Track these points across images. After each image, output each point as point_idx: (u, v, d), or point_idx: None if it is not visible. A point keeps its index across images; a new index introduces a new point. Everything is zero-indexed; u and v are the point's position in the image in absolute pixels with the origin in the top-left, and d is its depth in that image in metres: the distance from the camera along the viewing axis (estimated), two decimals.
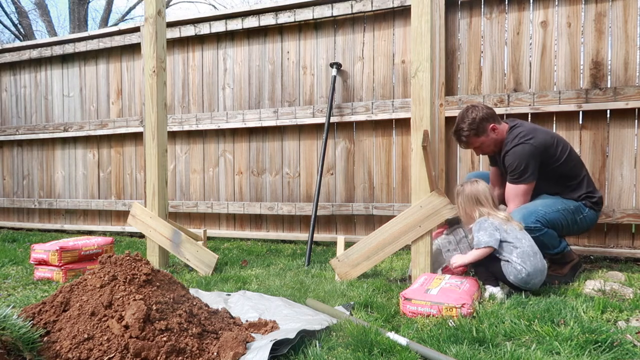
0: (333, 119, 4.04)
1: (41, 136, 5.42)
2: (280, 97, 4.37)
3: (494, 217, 2.52)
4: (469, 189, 2.61)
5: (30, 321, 1.74)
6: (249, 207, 4.44)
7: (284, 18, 4.21)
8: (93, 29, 15.20)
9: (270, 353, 1.63)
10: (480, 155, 3.69)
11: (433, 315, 2.15)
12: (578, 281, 2.73)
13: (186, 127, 4.65)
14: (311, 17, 4.11)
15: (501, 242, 2.44)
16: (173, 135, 4.75)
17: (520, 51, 3.57)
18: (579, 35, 3.42)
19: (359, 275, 2.91)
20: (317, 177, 3.79)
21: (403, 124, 3.89)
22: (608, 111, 3.35)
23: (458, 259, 2.52)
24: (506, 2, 3.60)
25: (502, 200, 2.90)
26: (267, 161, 4.44)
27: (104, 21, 14.97)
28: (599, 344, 1.72)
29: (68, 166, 5.41)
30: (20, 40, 14.39)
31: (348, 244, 3.51)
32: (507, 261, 2.43)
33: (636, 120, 3.31)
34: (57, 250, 3.11)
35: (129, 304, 1.70)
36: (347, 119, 4.05)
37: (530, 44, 3.55)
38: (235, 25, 4.40)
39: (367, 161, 4.08)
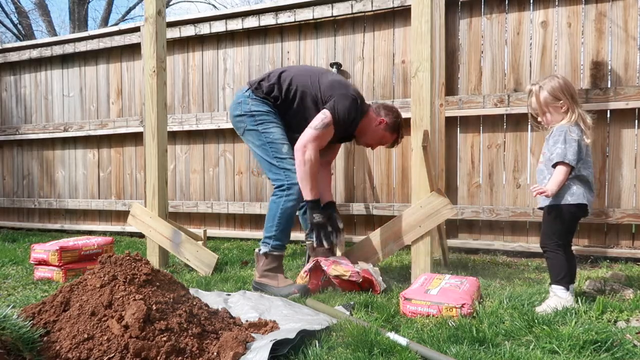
0: None
1: (41, 136, 5.42)
2: None
3: (585, 119, 2.26)
4: (562, 80, 2.29)
5: (30, 321, 1.74)
6: (249, 207, 4.44)
7: (284, 18, 4.21)
8: (93, 28, 15.20)
9: (270, 353, 1.63)
10: (480, 155, 3.69)
11: (433, 315, 2.15)
12: (578, 281, 2.73)
13: (186, 127, 4.65)
14: (311, 17, 4.11)
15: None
16: (173, 135, 4.75)
17: (520, 51, 3.57)
18: (579, 35, 3.42)
19: None
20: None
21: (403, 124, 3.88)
22: (608, 111, 3.35)
23: (547, 186, 2.21)
24: (506, 2, 3.60)
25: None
26: None
27: (104, 21, 14.96)
28: (599, 344, 1.72)
29: (68, 166, 5.41)
30: (20, 40, 14.38)
31: (348, 244, 3.51)
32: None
33: (636, 120, 3.31)
34: (57, 250, 3.11)
35: (129, 304, 1.70)
36: None
37: (531, 44, 3.55)
38: (235, 25, 4.40)
39: (367, 161, 4.08)
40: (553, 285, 2.25)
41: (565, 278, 2.22)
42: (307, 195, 2.71)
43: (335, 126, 2.78)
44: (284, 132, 2.86)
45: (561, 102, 2.28)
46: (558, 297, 2.20)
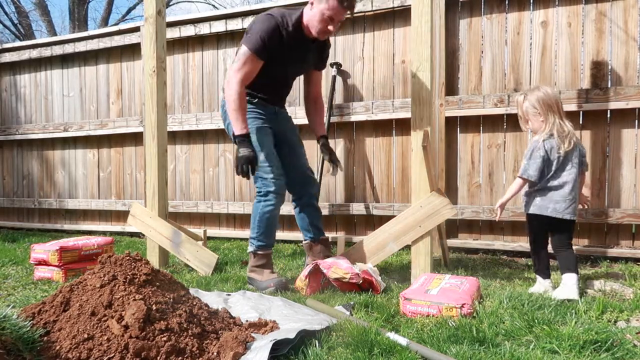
0: (333, 119, 4.04)
1: (41, 136, 5.42)
2: None
3: (561, 129, 2.44)
4: (543, 92, 2.48)
5: (30, 321, 1.74)
6: (249, 207, 4.44)
7: None
8: (93, 28, 15.19)
9: (270, 353, 1.63)
10: (480, 155, 3.69)
11: (433, 315, 2.15)
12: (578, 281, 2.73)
13: (186, 127, 4.65)
14: None
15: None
16: (173, 135, 4.75)
17: (520, 51, 3.57)
18: (579, 35, 3.42)
19: None
20: (317, 177, 3.79)
21: (403, 124, 3.88)
22: (608, 111, 3.35)
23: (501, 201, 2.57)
24: (506, 2, 3.60)
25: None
26: None
27: (104, 21, 14.96)
28: (599, 344, 1.72)
29: (68, 166, 5.41)
30: (20, 40, 14.37)
31: (348, 244, 3.52)
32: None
33: (636, 120, 3.31)
34: (57, 250, 3.11)
35: (129, 304, 1.70)
36: (347, 118, 4.05)
37: (531, 44, 3.55)
38: (235, 25, 4.40)
39: (367, 161, 4.08)
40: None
41: (539, 270, 2.58)
42: (236, 130, 2.72)
43: (267, 51, 2.70)
44: (262, 135, 2.84)
45: (537, 111, 2.49)
46: (537, 283, 2.58)
